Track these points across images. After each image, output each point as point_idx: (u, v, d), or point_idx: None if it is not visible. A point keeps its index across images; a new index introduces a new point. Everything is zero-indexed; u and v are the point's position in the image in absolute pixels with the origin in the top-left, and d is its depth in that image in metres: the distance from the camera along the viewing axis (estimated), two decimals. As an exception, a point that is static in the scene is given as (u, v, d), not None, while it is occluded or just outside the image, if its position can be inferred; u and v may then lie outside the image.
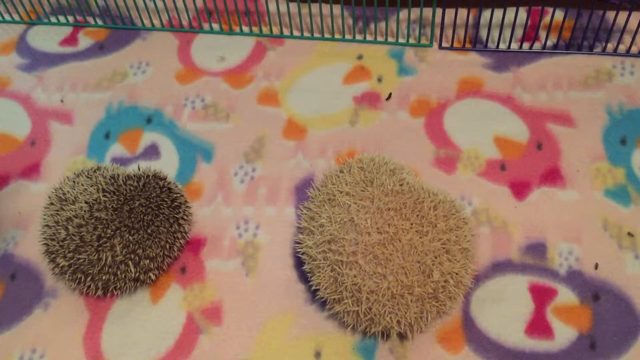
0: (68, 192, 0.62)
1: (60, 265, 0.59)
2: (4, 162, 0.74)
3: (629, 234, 0.63)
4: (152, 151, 0.74)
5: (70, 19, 0.88)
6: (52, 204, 0.62)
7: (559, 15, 0.80)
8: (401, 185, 0.58)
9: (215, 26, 0.85)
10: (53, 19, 0.88)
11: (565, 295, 0.60)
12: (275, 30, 0.84)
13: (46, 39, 0.87)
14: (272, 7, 0.85)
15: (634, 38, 0.76)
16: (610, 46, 0.77)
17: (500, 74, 0.77)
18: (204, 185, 0.71)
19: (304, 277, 0.62)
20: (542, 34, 0.79)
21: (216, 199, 0.69)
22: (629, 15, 0.74)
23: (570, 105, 0.73)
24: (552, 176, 0.68)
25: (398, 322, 0.55)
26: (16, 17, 0.89)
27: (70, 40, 0.86)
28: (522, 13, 0.80)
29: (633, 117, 0.72)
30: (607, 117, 0.72)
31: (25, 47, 0.86)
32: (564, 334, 0.58)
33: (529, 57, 0.78)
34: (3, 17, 0.89)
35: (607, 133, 0.71)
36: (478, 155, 0.70)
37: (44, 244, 0.61)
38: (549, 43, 0.79)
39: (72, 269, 0.59)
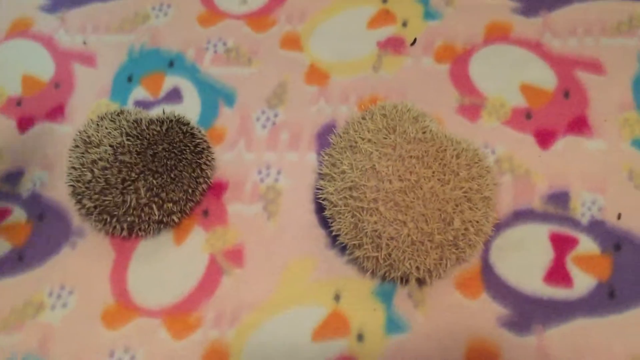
0: (92, 135, 0.62)
1: (87, 206, 0.61)
2: (29, 103, 0.75)
3: (655, 185, 0.63)
4: (175, 95, 0.74)
5: (91, -42, 0.87)
6: (77, 146, 0.63)
7: (594, -43, 0.77)
8: (424, 133, 0.57)
9: (238, -33, 0.84)
10: (74, -41, 0.87)
11: (587, 245, 0.60)
12: (299, -28, 0.82)
13: (68, -21, 0.86)
14: (296, -53, 0.83)
15: (672, -18, 0.73)
16: (646, -10, 0.75)
17: (529, 18, 0.74)
18: (226, 130, 0.71)
19: (324, 223, 0.63)
20: (575, -23, 0.77)
21: (238, 144, 0.70)
22: (668, -42, 0.71)
23: (600, 52, 0.71)
24: (579, 125, 0.67)
25: (417, 268, 0.55)
26: (37, -43, 0.88)
27: (92, -20, 0.85)
28: (555, -46, 0.77)
29: (666, 66, 0.70)
30: (639, 65, 0.70)
31: (47, -12, 0.85)
32: (583, 282, 0.59)
33: (560, 1, 0.75)
34: (24, -43, 0.88)
35: (638, 82, 0.69)
36: (503, 103, 0.69)
37: (71, 185, 0.62)
38: (582, -13, 0.76)
39: (97, 210, 0.61)
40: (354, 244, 0.57)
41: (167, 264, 0.63)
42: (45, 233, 0.66)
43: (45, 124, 0.73)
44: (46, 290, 0.63)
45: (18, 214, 0.68)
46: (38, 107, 0.75)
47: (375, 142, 0.57)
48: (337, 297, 0.60)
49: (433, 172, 0.55)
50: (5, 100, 0.76)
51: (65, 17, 0.82)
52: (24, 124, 0.74)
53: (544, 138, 0.67)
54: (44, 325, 0.61)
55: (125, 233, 0.62)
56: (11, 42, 0.80)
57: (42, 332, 0.61)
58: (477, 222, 0.55)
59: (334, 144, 0.61)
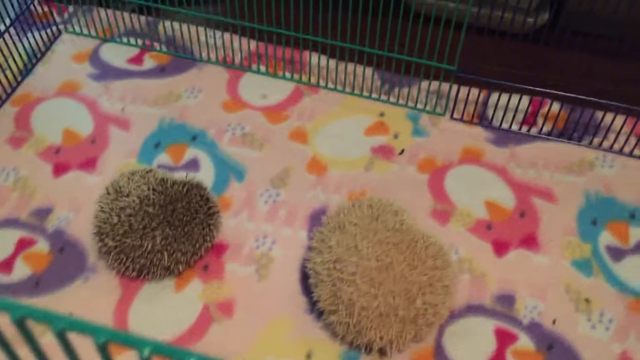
0: (123, 186, 0.73)
1: (108, 245, 0.71)
2: (67, 153, 0.87)
3: (586, 300, 0.74)
4: (193, 164, 0.86)
5: (140, 41, 1.02)
6: (108, 193, 0.73)
7: (556, 107, 0.93)
8: (401, 224, 0.69)
9: (262, 68, 0.99)
10: (125, 40, 1.02)
11: (524, 342, 0.71)
12: (313, 80, 0.97)
13: (116, 55, 1.00)
14: (314, 60, 0.99)
15: (617, 137, 0.88)
16: (596, 140, 0.90)
17: (499, 148, 0.89)
18: (233, 200, 0.82)
19: (306, 291, 0.73)
20: (540, 120, 0.92)
21: (242, 213, 0.81)
22: (615, 117, 0.87)
23: (554, 185, 0.85)
24: (529, 241, 0.79)
25: (381, 338, 0.66)
26: (93, 33, 1.03)
27: (137, 59, 1.00)
28: (525, 100, 0.93)
29: (606, 204, 0.83)
30: (584, 199, 0.84)
31: (98, 60, 0.99)
32: (518, 373, 0.69)
33: (526, 139, 0.90)
34: (82, 31, 1.03)
35: (582, 213, 0.82)
36: (470, 213, 0.82)
37: (97, 225, 0.72)
38: (544, 129, 0.91)
39: (117, 249, 0.71)
40: (331, 310, 0.67)
41: (165, 307, 0.73)
42: (63, 265, 0.76)
43: (78, 173, 0.85)
44: (56, 314, 0.71)
45: (42, 245, 0.77)
46: (74, 157, 0.86)
47: (360, 226, 0.69)
48: (308, 356, 0.69)
49: (405, 258, 0.66)
50: (46, 147, 0.87)
51: (108, 86, 0.95)
52: (59, 170, 0.85)
53: (500, 247, 0.79)
54: (47, 346, 0.69)
55: (135, 274, 0.72)
56: (59, 100, 0.93)
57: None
58: (436, 305, 0.66)
59: (325, 224, 0.73)
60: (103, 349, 0.26)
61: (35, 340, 0.29)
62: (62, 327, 0.26)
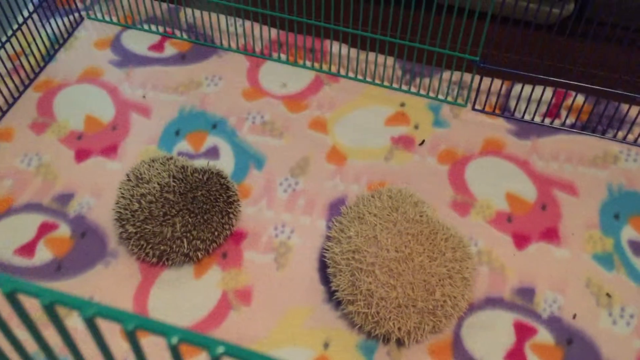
0: (144, 173, 0.74)
1: (129, 231, 0.71)
2: (88, 139, 0.87)
3: (607, 294, 0.74)
4: (213, 152, 0.86)
5: (161, 29, 1.02)
6: (129, 180, 0.74)
7: (580, 99, 0.92)
8: (421, 216, 0.69)
9: (283, 56, 0.98)
10: (146, 27, 1.02)
11: (544, 336, 0.71)
12: (334, 69, 0.97)
13: (137, 42, 1.00)
14: (335, 48, 0.98)
15: (642, 130, 0.87)
16: (620, 134, 0.89)
17: (520, 140, 0.88)
18: (252, 188, 0.82)
19: (325, 280, 0.73)
20: (563, 113, 0.91)
21: (261, 201, 0.81)
22: (640, 110, 0.85)
23: (576, 178, 0.84)
24: (550, 234, 0.79)
25: (399, 328, 0.65)
26: (115, 19, 1.03)
27: (158, 47, 1.00)
28: (548, 92, 0.92)
29: (629, 198, 0.82)
30: (607, 193, 0.83)
31: (119, 46, 1.00)
32: (536, 366, 0.68)
33: (548, 131, 0.89)
34: (104, 18, 1.03)
35: (604, 207, 0.81)
36: (490, 205, 0.81)
37: (118, 211, 0.73)
38: (568, 122, 0.90)
39: (137, 235, 0.71)
40: (349, 300, 0.67)
41: (184, 293, 0.73)
42: (85, 249, 0.76)
43: (99, 159, 0.85)
44: (77, 298, 0.72)
45: (63, 230, 0.78)
46: (95, 143, 0.87)
47: (380, 217, 0.68)
48: (326, 345, 0.69)
49: (424, 249, 0.66)
50: (68, 133, 0.88)
51: (130, 73, 0.96)
52: (81, 156, 0.85)
53: (520, 240, 0.78)
54: (69, 327, 0.70)
55: (154, 260, 0.72)
56: (82, 86, 0.94)
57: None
58: (455, 297, 0.66)
59: (344, 214, 0.72)
60: (132, 335, 0.26)
61: (63, 324, 0.30)
62: (92, 313, 0.26)
